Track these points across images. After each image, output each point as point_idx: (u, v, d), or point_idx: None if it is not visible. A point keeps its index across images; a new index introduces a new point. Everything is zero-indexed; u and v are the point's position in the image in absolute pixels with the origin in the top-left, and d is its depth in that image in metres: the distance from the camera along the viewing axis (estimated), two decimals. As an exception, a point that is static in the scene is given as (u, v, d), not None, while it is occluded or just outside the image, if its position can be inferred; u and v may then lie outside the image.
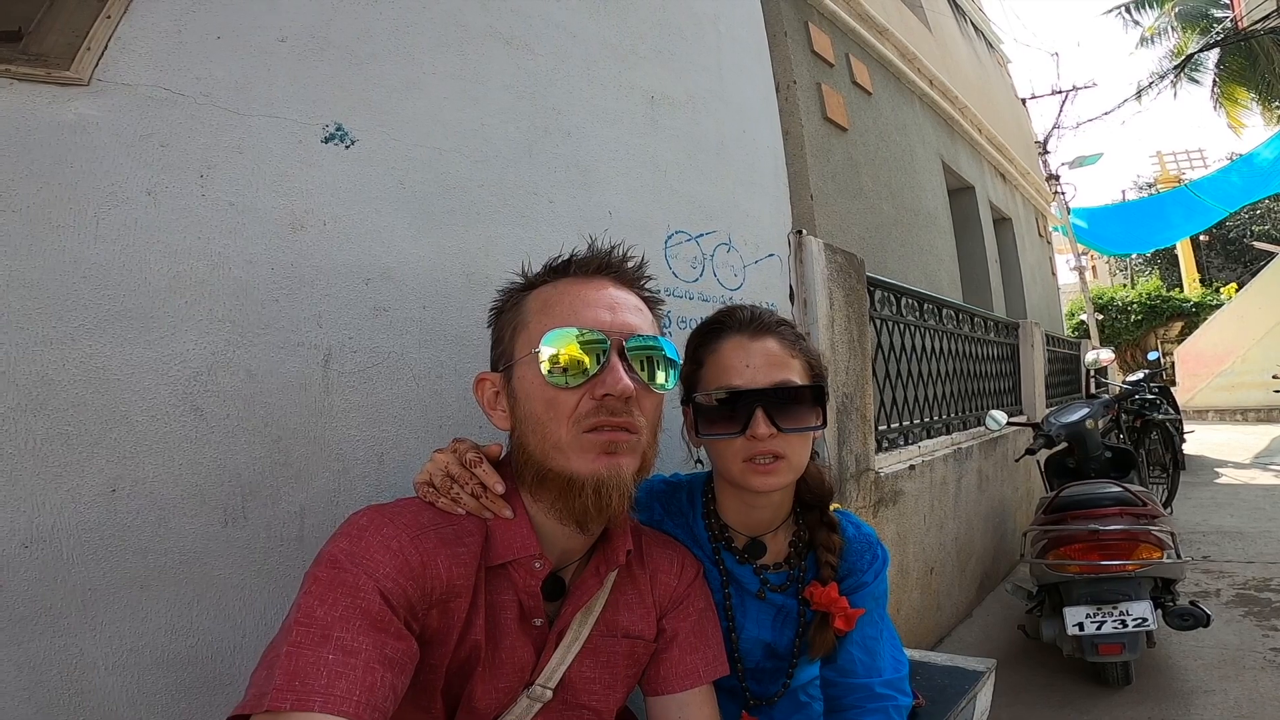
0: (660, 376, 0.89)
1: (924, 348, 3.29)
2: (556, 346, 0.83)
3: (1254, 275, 14.36)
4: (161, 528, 0.93)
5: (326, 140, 1.14)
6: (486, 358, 0.99)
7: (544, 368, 0.83)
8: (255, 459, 1.01)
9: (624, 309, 0.89)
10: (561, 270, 0.93)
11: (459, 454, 0.91)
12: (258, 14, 1.10)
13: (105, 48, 0.94)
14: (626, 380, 0.83)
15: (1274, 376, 10.86)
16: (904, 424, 3.09)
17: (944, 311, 3.60)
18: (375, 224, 1.18)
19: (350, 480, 1.11)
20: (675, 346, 0.92)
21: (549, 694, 0.89)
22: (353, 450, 1.12)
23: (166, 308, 0.95)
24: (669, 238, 1.77)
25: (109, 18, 0.95)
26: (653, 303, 0.97)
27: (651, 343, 0.88)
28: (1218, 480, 6.92)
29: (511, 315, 0.92)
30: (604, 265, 0.92)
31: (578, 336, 0.83)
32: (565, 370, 0.83)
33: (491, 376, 0.94)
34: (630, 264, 0.95)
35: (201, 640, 0.96)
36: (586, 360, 0.83)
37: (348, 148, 1.16)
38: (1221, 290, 17.27)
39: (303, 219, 1.09)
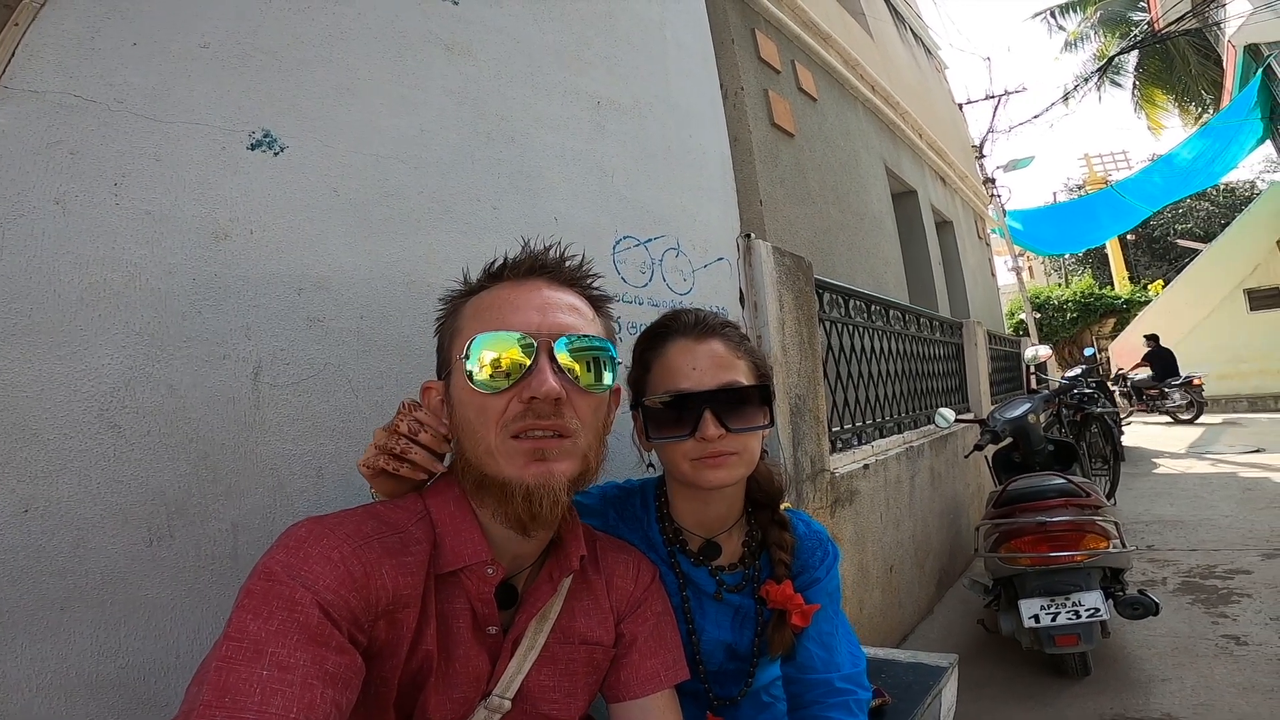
0: (594, 376, 0.86)
1: (873, 348, 3.36)
2: (481, 351, 0.82)
3: (1178, 272, 15.13)
4: (80, 548, 0.89)
5: (253, 147, 1.10)
6: (430, 367, 0.97)
7: (470, 373, 0.82)
8: (180, 476, 0.97)
9: (556, 309, 0.87)
10: (497, 274, 0.91)
11: (403, 421, 0.90)
12: (178, 20, 1.06)
13: (12, 55, 0.91)
14: (552, 382, 0.81)
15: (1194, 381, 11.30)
16: (857, 424, 3.14)
17: (891, 313, 3.68)
18: (308, 232, 1.15)
19: (286, 496, 1.07)
20: (615, 345, 0.91)
21: (507, 704, 0.87)
22: (288, 465, 1.08)
23: (78, 320, 0.90)
24: (617, 243, 1.77)
25: (16, 25, 0.92)
26: (597, 301, 0.96)
27: (584, 342, 0.86)
28: (1156, 471, 7.21)
29: (450, 322, 0.91)
30: (536, 266, 0.91)
31: (502, 340, 0.82)
32: (491, 374, 0.82)
33: (436, 385, 0.93)
34: (569, 263, 0.93)
35: (131, 661, 0.92)
36: (513, 363, 0.82)
37: (276, 155, 1.13)
38: (1149, 287, 18.11)
39: (227, 228, 1.05)
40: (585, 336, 0.86)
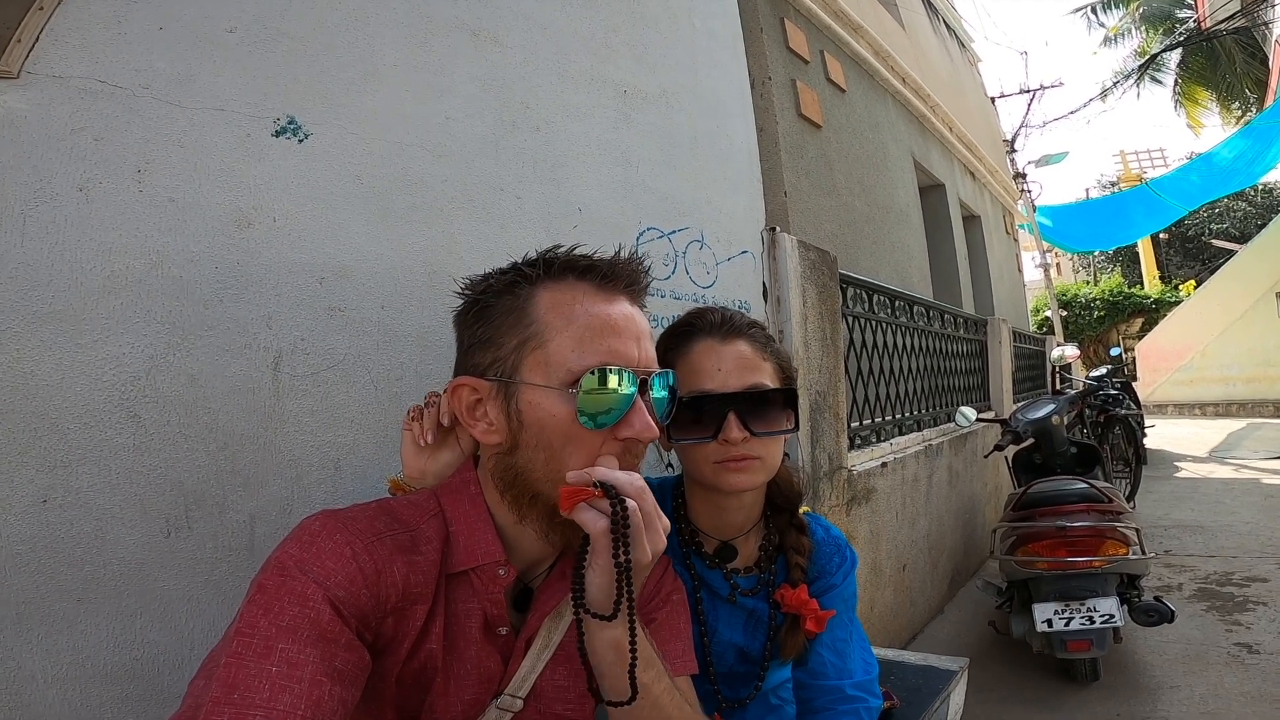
0: (661, 410, 0.87)
1: (895, 345, 3.31)
2: (599, 391, 0.77)
3: (1212, 273, 14.75)
4: (98, 539, 0.89)
5: (278, 134, 1.09)
6: (450, 359, 0.94)
7: (581, 409, 0.77)
8: (199, 466, 0.97)
9: (646, 339, 0.84)
10: (580, 271, 0.82)
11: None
12: (205, 4, 1.05)
13: (37, 40, 0.89)
14: (655, 426, 0.81)
15: None
16: (876, 421, 3.10)
17: (915, 308, 3.63)
18: (330, 221, 1.14)
19: (304, 487, 1.07)
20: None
21: (519, 703, 0.86)
22: (306, 456, 1.08)
23: (100, 308, 0.90)
24: (640, 235, 1.75)
25: (41, 9, 0.91)
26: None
27: (667, 384, 0.87)
28: (1178, 474, 7.09)
29: (512, 318, 0.80)
30: (630, 281, 0.85)
31: (617, 377, 0.78)
32: (601, 412, 0.78)
33: (475, 383, 0.82)
34: (645, 278, 0.89)
35: (146, 653, 0.92)
36: (618, 400, 0.79)
37: (301, 142, 1.11)
38: (1180, 287, 17.68)
39: (250, 216, 1.04)
40: (665, 374, 0.87)
